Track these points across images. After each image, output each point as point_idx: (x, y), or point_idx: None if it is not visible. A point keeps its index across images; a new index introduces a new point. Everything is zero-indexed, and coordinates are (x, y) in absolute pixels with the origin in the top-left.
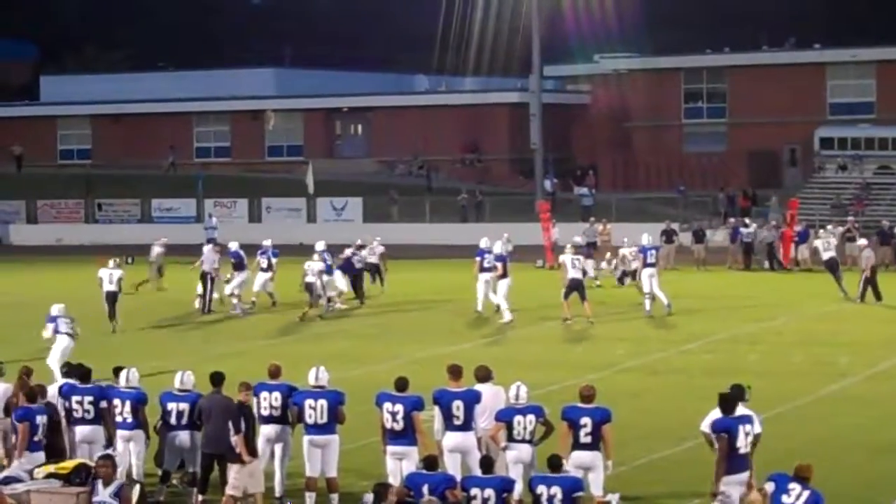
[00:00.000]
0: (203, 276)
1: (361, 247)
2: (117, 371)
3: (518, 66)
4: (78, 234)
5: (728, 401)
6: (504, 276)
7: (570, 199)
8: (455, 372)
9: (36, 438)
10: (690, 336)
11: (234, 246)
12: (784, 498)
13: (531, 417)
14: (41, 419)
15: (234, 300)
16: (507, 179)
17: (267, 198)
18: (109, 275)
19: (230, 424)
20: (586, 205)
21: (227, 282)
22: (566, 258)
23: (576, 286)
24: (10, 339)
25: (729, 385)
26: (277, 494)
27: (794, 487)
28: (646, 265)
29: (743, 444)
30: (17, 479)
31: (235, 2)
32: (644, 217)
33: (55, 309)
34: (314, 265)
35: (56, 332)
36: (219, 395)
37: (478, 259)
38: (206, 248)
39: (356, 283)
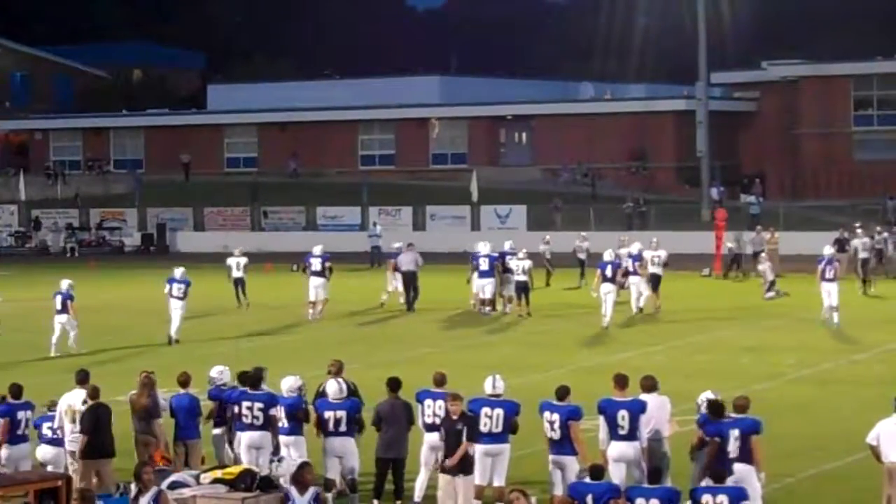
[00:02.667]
0: (405, 276)
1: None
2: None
3: (683, 73)
4: (244, 242)
5: (718, 406)
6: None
7: (738, 207)
8: (621, 381)
9: (19, 433)
10: (861, 346)
11: (317, 250)
12: None
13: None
14: (23, 415)
15: (311, 308)
16: (672, 187)
17: (431, 205)
18: (237, 262)
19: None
20: (753, 213)
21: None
22: (647, 254)
23: (656, 280)
24: (177, 347)
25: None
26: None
27: None
28: (824, 279)
29: (733, 448)
30: (183, 484)
31: (401, 10)
32: (812, 226)
33: (177, 272)
34: (523, 263)
35: (169, 295)
36: (398, 400)
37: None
38: (405, 252)
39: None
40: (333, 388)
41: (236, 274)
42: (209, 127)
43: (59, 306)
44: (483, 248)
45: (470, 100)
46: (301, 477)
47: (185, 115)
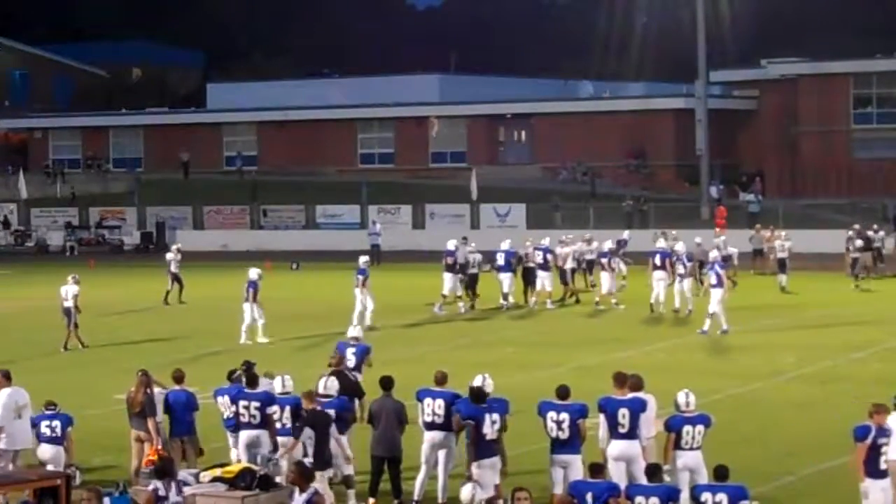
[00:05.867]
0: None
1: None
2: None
3: (683, 71)
4: (243, 240)
5: (480, 392)
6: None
7: (737, 205)
8: (621, 380)
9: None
10: (860, 344)
11: (451, 245)
12: None
13: (700, 427)
14: None
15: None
16: (671, 186)
17: (430, 204)
18: (173, 257)
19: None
20: (752, 211)
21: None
22: (567, 250)
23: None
24: (178, 345)
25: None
26: (441, 501)
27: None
28: (712, 285)
29: (489, 431)
30: (183, 483)
31: (400, 8)
32: (812, 224)
33: (360, 260)
34: (473, 257)
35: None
36: (389, 398)
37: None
38: (462, 247)
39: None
40: (322, 384)
41: (174, 269)
42: (208, 126)
43: (246, 295)
44: (504, 244)
45: (469, 98)
46: (291, 477)
47: (185, 114)
